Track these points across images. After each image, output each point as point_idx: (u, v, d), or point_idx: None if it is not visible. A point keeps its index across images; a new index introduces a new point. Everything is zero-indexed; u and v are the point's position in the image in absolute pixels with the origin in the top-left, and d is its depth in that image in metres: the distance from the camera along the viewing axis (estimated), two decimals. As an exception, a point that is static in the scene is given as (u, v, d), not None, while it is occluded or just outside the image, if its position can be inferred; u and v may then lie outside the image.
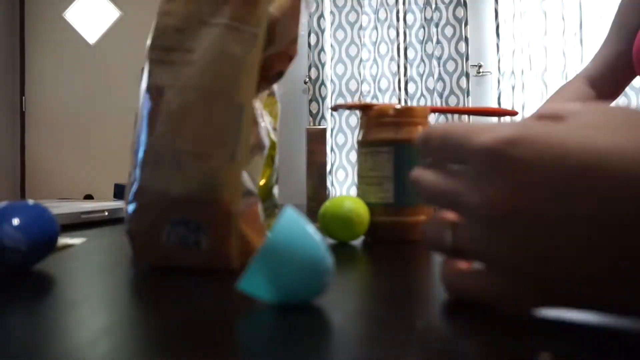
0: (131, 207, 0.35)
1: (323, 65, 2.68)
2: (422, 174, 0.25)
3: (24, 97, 3.21)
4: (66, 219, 0.59)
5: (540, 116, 0.23)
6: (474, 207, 0.21)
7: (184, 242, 0.33)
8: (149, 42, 0.37)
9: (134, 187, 0.35)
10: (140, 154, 0.35)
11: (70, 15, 3.16)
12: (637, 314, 0.20)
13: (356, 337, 0.21)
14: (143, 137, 0.36)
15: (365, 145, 0.53)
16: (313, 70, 2.68)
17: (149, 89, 0.36)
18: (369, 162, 0.52)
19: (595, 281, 0.19)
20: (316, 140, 0.86)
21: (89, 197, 2.93)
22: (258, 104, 0.38)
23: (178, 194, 0.33)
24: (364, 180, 0.53)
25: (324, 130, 0.88)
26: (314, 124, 2.64)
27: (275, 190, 0.49)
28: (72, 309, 0.25)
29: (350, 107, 0.57)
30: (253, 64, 0.35)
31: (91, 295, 0.28)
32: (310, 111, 2.67)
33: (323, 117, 2.65)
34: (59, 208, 0.63)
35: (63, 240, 0.48)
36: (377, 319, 0.23)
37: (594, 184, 0.18)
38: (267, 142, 0.38)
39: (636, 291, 0.19)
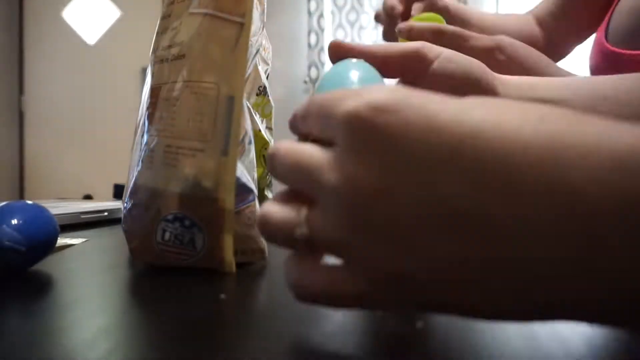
0: (127, 206, 0.35)
1: (323, 65, 2.68)
2: (280, 145, 0.20)
3: (22, 97, 3.21)
4: (66, 219, 0.59)
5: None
6: (331, 187, 0.17)
7: (180, 239, 0.33)
8: (152, 45, 0.37)
9: (130, 186, 0.35)
10: (138, 154, 0.35)
11: (69, 15, 3.15)
12: (522, 319, 0.16)
13: (356, 337, 0.21)
14: (141, 137, 0.36)
15: None
16: (313, 70, 2.68)
17: (149, 90, 0.36)
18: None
19: (470, 285, 0.16)
20: (316, 140, 0.86)
21: (88, 197, 2.93)
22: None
23: (172, 191, 0.33)
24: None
25: (324, 130, 0.87)
26: (314, 124, 2.64)
27: (269, 194, 0.49)
28: (71, 309, 0.25)
29: None
30: (242, 54, 0.35)
31: (90, 295, 0.28)
32: (309, 111, 2.67)
33: (323, 117, 2.66)
34: (59, 208, 0.63)
35: (63, 240, 0.48)
36: (377, 319, 0.23)
37: (465, 162, 0.15)
38: (252, 135, 0.38)
39: (513, 297, 0.15)
